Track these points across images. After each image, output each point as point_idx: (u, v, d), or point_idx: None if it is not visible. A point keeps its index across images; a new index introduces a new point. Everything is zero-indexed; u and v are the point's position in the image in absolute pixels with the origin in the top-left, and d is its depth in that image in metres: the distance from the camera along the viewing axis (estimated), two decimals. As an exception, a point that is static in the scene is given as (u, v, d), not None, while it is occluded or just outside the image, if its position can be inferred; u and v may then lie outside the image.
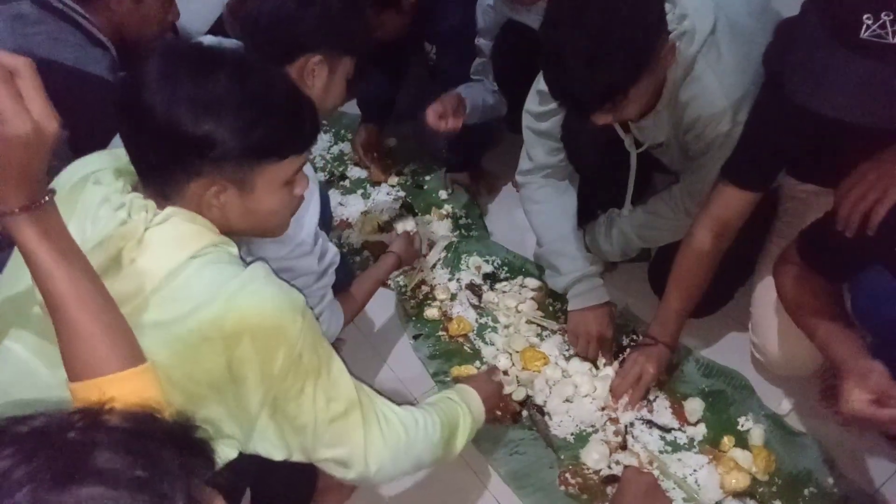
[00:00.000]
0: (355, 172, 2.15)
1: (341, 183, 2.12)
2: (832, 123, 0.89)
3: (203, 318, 0.80)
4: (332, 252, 1.28)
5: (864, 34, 0.85)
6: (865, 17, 0.84)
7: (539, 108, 1.50)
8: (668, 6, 1.19)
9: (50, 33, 1.38)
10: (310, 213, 1.19)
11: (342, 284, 1.57)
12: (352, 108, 2.20)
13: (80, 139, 1.11)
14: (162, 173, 0.84)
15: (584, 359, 1.56)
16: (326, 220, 1.57)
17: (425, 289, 1.77)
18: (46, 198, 0.68)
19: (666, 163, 1.52)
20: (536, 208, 1.60)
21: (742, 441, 1.40)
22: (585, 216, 1.68)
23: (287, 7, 1.18)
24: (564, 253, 1.56)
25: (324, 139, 2.26)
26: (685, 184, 1.46)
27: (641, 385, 1.44)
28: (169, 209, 0.84)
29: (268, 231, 0.97)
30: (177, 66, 0.81)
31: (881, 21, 0.84)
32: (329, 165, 2.19)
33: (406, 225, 1.93)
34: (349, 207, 2.03)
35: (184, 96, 0.79)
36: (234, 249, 0.89)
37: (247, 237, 0.99)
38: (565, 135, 1.52)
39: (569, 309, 1.56)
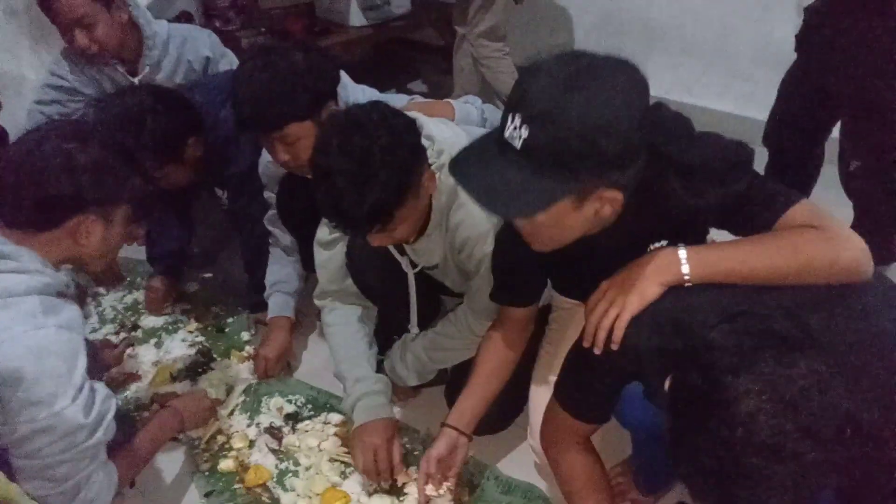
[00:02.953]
0: (149, 322, 2.03)
1: (133, 333, 1.98)
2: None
3: None
4: (102, 398, 1.17)
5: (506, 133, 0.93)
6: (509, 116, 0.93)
7: (327, 237, 1.59)
8: (427, 142, 1.34)
9: None
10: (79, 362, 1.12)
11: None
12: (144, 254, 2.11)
13: None
14: None
15: (385, 492, 1.50)
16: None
17: (221, 438, 1.65)
18: None
19: (449, 285, 1.59)
20: (329, 330, 1.65)
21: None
22: (387, 343, 1.70)
23: (46, 175, 1.16)
24: (349, 376, 1.56)
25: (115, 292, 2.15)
26: (467, 303, 1.54)
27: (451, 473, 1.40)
28: None
29: None
30: None
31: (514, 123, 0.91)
32: (121, 316, 2.06)
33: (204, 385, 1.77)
34: (140, 358, 1.89)
35: None
36: None
37: None
38: (348, 260, 1.58)
39: (352, 429, 1.53)
